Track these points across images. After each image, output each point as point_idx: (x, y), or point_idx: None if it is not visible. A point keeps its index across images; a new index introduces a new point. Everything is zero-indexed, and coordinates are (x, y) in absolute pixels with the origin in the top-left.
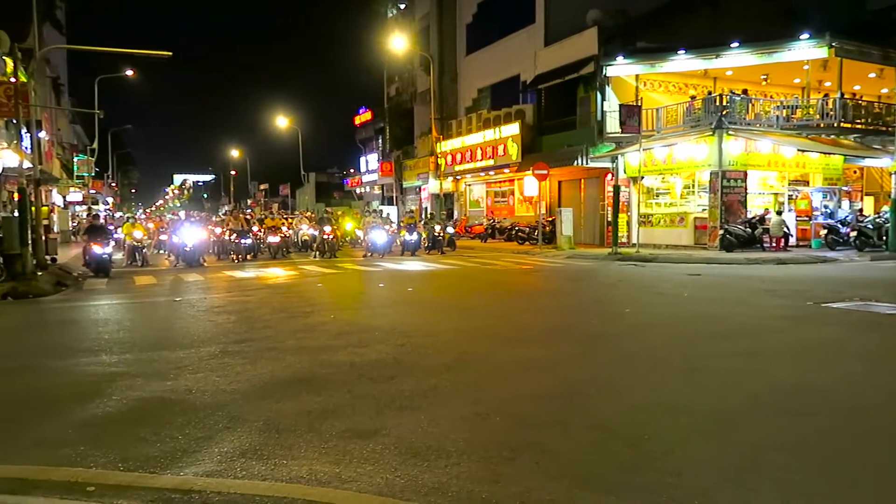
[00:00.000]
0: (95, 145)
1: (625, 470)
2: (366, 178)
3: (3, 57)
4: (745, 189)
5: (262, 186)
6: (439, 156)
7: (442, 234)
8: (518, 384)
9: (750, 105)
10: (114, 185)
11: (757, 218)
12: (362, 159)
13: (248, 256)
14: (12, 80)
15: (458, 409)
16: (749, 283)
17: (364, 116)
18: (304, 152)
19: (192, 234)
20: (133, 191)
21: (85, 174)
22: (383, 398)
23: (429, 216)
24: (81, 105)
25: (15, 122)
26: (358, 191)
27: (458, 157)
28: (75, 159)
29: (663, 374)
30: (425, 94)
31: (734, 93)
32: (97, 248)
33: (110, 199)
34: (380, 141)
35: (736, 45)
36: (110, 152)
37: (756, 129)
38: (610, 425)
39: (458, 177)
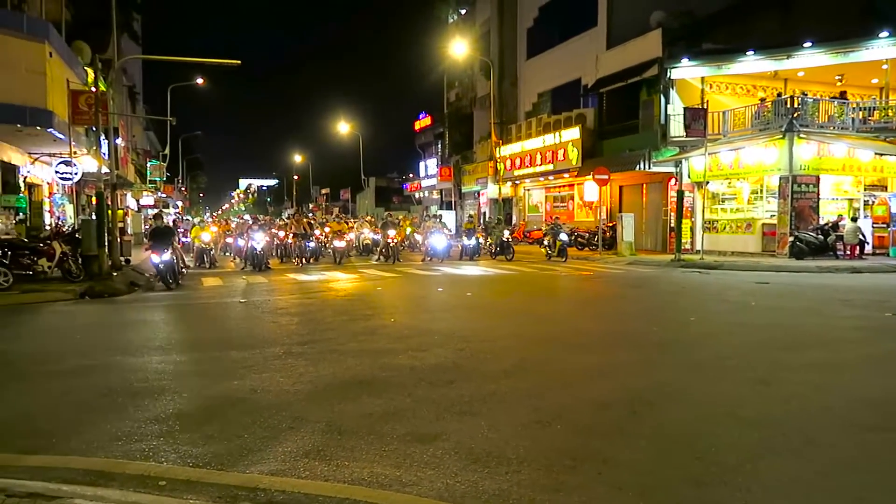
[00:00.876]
0: (167, 151)
1: (692, 483)
2: (425, 183)
3: (85, 67)
4: (818, 194)
5: (323, 191)
6: (498, 160)
7: (509, 239)
8: (579, 391)
9: (823, 107)
10: (183, 189)
11: (830, 224)
12: (421, 164)
13: (311, 260)
14: (93, 89)
15: (518, 415)
16: (821, 293)
17: (424, 122)
18: (365, 157)
19: (260, 237)
20: (201, 195)
21: (157, 179)
22: (443, 402)
23: (496, 221)
24: (154, 112)
25: (94, 129)
26: (416, 195)
27: (518, 161)
28: (148, 164)
29: (732, 384)
30: (485, 98)
31: (806, 94)
32: (154, 258)
33: (180, 203)
34: (439, 146)
35: (809, 44)
36: (180, 158)
37: (830, 132)
38: (676, 436)
39: (516, 181)
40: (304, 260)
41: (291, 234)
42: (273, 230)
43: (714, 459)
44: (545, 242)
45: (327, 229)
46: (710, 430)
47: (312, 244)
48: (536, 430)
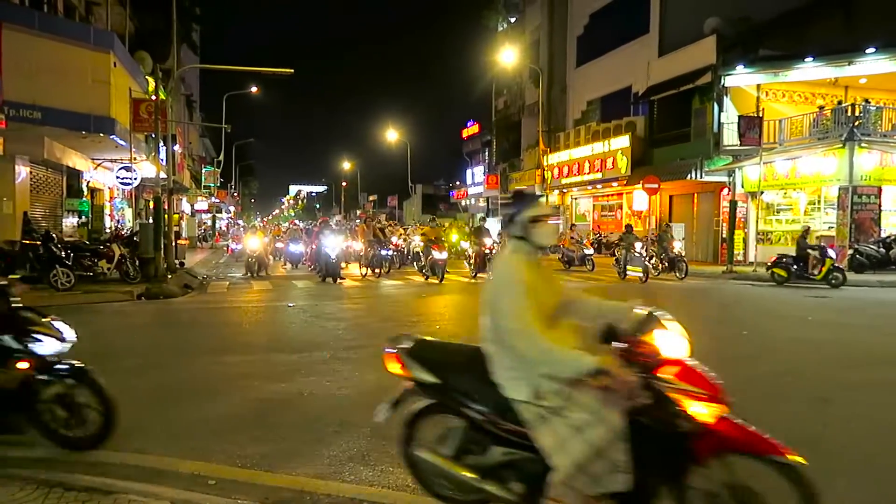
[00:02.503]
0: (221, 157)
1: None
2: (471, 191)
3: (146, 76)
4: (879, 206)
5: (371, 197)
6: (546, 168)
7: (681, 254)
8: None
9: (886, 115)
10: (236, 194)
11: (892, 237)
12: (468, 171)
13: (384, 271)
14: (153, 97)
15: None
16: (882, 309)
17: (471, 129)
18: (412, 165)
19: (334, 242)
20: (252, 200)
21: (211, 184)
22: None
23: (664, 226)
24: (210, 119)
25: (153, 136)
26: (463, 203)
27: (565, 169)
28: (203, 170)
29: (789, 402)
30: (533, 106)
31: (868, 102)
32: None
33: (232, 208)
34: (486, 153)
35: (872, 50)
36: (234, 164)
37: (893, 142)
38: None
39: (564, 190)
40: (376, 270)
41: (366, 242)
42: (348, 235)
43: None
44: (616, 256)
45: (416, 239)
46: None
47: (387, 252)
48: None
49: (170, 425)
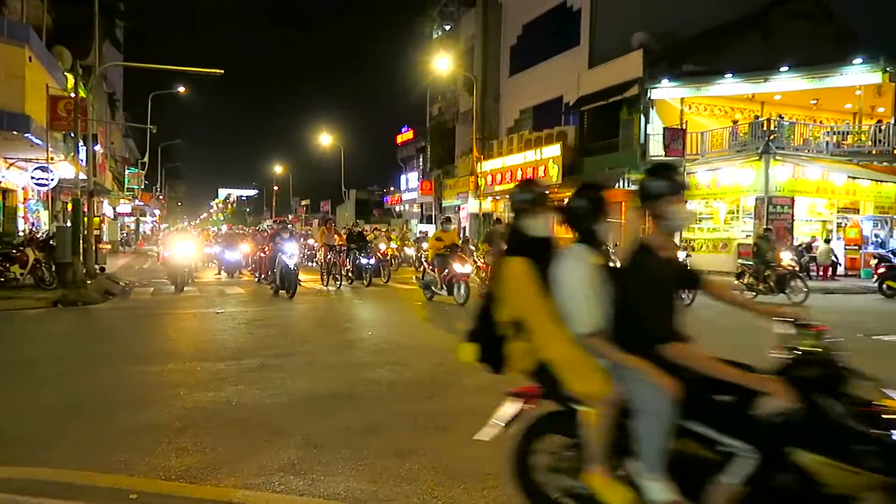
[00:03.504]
0: (146, 159)
1: None
2: (405, 197)
3: (65, 73)
4: (792, 216)
5: (303, 202)
6: (479, 175)
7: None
8: None
9: (798, 130)
10: (161, 197)
11: (804, 246)
12: (403, 177)
13: (363, 282)
14: (72, 95)
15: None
16: None
17: (406, 135)
18: (346, 169)
19: (293, 248)
20: (179, 204)
21: (135, 187)
22: (420, 417)
23: (763, 231)
24: (134, 120)
25: (72, 135)
26: (397, 209)
27: (499, 177)
28: (126, 172)
29: None
30: (467, 114)
31: (782, 117)
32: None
33: (157, 212)
34: (421, 160)
35: (786, 68)
36: (160, 166)
37: (805, 155)
38: None
39: (497, 197)
40: (347, 282)
41: (323, 246)
42: (307, 240)
43: None
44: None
45: (425, 245)
46: None
47: (368, 260)
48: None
49: (87, 437)
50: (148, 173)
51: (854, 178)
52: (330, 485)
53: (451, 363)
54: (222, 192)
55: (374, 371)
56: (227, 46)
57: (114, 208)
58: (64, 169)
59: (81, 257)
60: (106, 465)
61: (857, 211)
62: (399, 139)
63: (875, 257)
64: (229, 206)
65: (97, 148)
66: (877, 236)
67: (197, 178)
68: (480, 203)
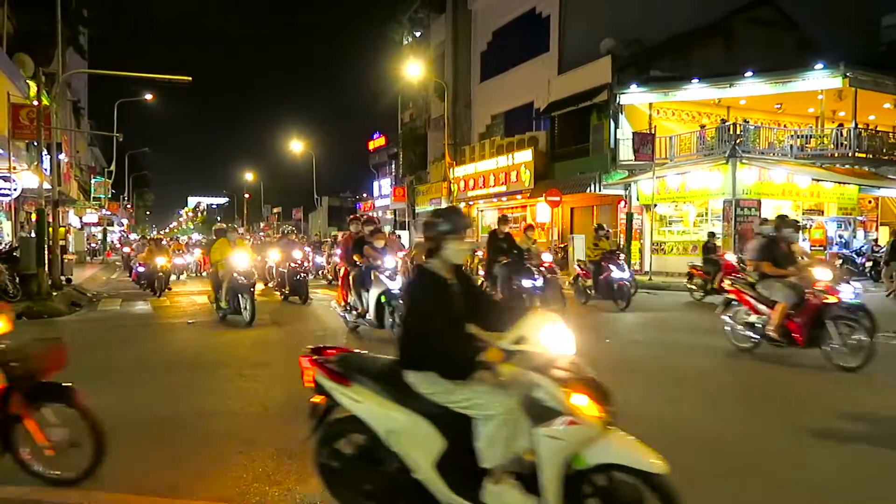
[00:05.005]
0: (113, 168)
1: None
2: (378, 203)
3: (27, 80)
4: (759, 218)
5: (275, 209)
6: (452, 181)
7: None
8: None
9: (763, 134)
10: (129, 206)
11: None
12: (375, 184)
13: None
14: (35, 103)
15: None
16: None
17: (378, 142)
18: (318, 176)
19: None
20: (148, 213)
21: (101, 196)
22: None
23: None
24: (101, 128)
25: (36, 144)
26: (371, 214)
27: (471, 182)
28: (93, 181)
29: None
30: (439, 120)
31: (748, 122)
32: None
33: (125, 221)
34: (393, 166)
35: (750, 74)
36: (127, 174)
37: (770, 158)
38: None
39: (470, 202)
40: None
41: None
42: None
43: None
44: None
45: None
46: None
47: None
48: None
49: None
50: (115, 182)
51: (818, 180)
52: (306, 495)
53: None
54: (192, 201)
55: None
56: (195, 53)
57: (80, 218)
58: (27, 178)
59: (46, 268)
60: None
61: (821, 213)
62: (371, 145)
63: (839, 257)
64: (199, 214)
65: (62, 157)
66: (840, 237)
67: (166, 187)
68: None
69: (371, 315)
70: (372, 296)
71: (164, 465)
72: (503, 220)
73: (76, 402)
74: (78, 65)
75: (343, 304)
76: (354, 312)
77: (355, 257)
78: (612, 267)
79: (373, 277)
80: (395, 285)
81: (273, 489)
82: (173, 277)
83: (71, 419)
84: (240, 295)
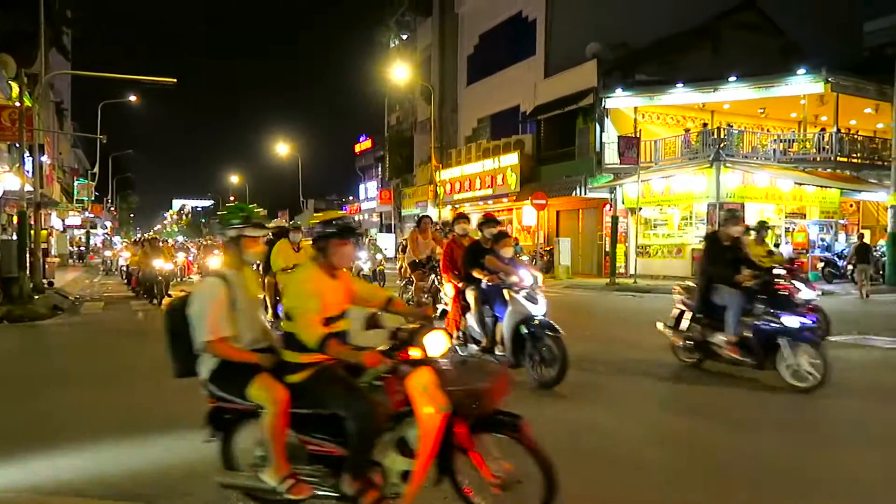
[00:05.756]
0: (96, 170)
1: None
2: (365, 206)
3: (9, 82)
4: (743, 221)
5: (260, 213)
6: (438, 184)
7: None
8: None
9: (747, 138)
10: (113, 209)
11: None
12: (361, 187)
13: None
14: (17, 104)
15: None
16: None
17: (364, 144)
18: (304, 179)
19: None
20: (132, 215)
21: (85, 198)
22: None
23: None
24: (84, 129)
25: (18, 145)
26: (357, 218)
27: (457, 185)
28: (75, 183)
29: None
30: (425, 123)
31: (731, 126)
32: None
33: (108, 224)
34: (379, 169)
35: (734, 79)
36: (110, 177)
37: (753, 162)
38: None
39: (456, 205)
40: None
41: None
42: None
43: None
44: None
45: None
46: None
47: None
48: None
49: (35, 458)
50: (98, 184)
51: (800, 184)
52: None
53: None
54: (176, 203)
55: None
56: (181, 55)
57: (62, 220)
58: (9, 180)
59: (28, 272)
60: (54, 487)
61: (803, 216)
62: (357, 148)
63: (821, 260)
64: (184, 217)
65: (44, 158)
66: (822, 240)
67: (150, 189)
68: (440, 211)
69: (504, 349)
70: (506, 325)
71: (144, 471)
72: (490, 222)
73: (523, 433)
74: (61, 66)
75: (457, 333)
76: (475, 346)
77: (475, 272)
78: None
79: (508, 298)
80: (539, 309)
81: None
82: None
83: (513, 452)
84: None
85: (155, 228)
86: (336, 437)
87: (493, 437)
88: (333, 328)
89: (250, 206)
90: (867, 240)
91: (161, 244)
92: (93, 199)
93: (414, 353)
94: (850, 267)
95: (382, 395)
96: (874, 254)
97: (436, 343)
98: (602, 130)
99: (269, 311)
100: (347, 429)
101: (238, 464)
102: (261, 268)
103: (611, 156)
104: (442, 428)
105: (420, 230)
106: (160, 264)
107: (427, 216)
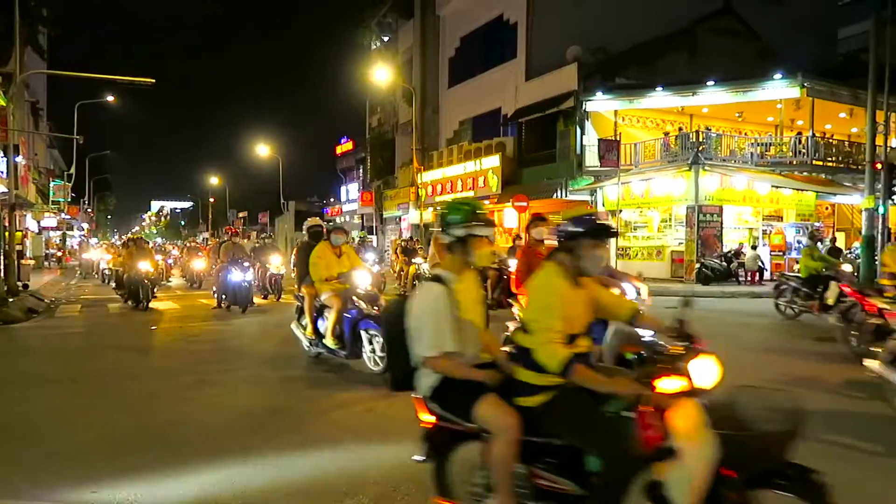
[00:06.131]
0: (73, 171)
1: None
2: (346, 208)
3: None
4: (721, 223)
5: (241, 214)
6: (420, 186)
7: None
8: None
9: (725, 142)
10: (90, 210)
11: (732, 252)
12: (343, 188)
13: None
14: None
15: None
16: (726, 317)
17: (345, 146)
18: (285, 180)
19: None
20: (109, 217)
21: (61, 199)
22: (362, 430)
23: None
24: (60, 129)
25: None
26: (338, 220)
27: (439, 187)
28: (51, 184)
29: None
30: (407, 125)
31: (710, 129)
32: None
33: (85, 225)
34: (360, 171)
35: (712, 83)
36: (87, 178)
37: (731, 166)
38: None
39: (438, 207)
40: None
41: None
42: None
43: None
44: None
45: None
46: None
47: None
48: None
49: (11, 462)
50: (75, 185)
51: (777, 187)
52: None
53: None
54: (155, 205)
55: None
56: (160, 55)
57: (38, 222)
58: None
59: (2, 274)
60: (33, 492)
61: (780, 218)
62: (338, 150)
63: (797, 262)
64: (163, 218)
65: (19, 159)
66: (799, 242)
67: (128, 191)
68: (421, 214)
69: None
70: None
71: (125, 474)
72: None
73: (818, 495)
74: (37, 65)
75: None
76: None
77: None
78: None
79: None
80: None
81: (236, 500)
82: None
83: None
84: (364, 331)
85: (133, 230)
86: (572, 473)
87: (773, 493)
88: (576, 348)
89: (471, 200)
90: (841, 244)
91: (148, 245)
92: (69, 200)
93: (669, 383)
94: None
95: (634, 430)
96: (845, 256)
97: (705, 371)
98: (583, 133)
99: (309, 327)
100: (590, 466)
101: (454, 490)
102: (295, 275)
103: (591, 158)
104: (709, 479)
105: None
106: (146, 267)
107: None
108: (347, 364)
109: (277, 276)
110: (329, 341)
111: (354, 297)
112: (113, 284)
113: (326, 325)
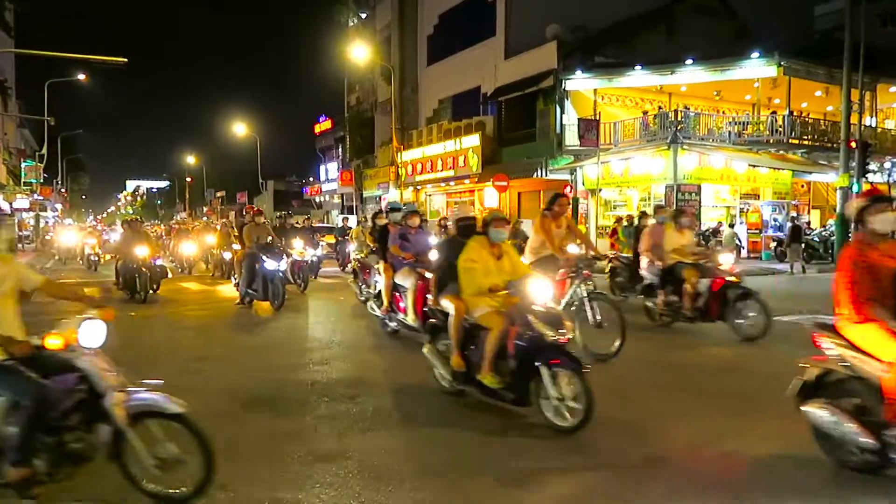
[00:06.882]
0: (44, 151)
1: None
2: (325, 187)
3: None
4: (700, 202)
5: (218, 194)
6: (400, 165)
7: None
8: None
9: (703, 120)
10: (63, 191)
11: (711, 230)
12: (322, 168)
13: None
14: None
15: (419, 430)
16: None
17: (324, 125)
18: (263, 160)
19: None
20: (83, 197)
21: (33, 180)
22: (345, 419)
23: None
24: (31, 108)
25: None
26: (317, 199)
27: (419, 167)
28: (23, 165)
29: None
30: (386, 103)
31: (688, 108)
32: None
33: (59, 206)
34: (340, 150)
35: (690, 62)
36: (60, 158)
37: (709, 145)
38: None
39: (418, 187)
40: None
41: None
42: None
43: None
44: None
45: None
46: None
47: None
48: (438, 444)
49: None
50: (47, 166)
51: (754, 166)
52: (253, 495)
53: (376, 361)
54: (130, 185)
55: (297, 372)
56: (132, 30)
57: (10, 204)
58: None
59: None
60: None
61: (757, 197)
62: (317, 129)
63: (774, 240)
64: (139, 198)
65: None
66: (775, 220)
67: (102, 170)
68: (402, 193)
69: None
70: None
71: (101, 470)
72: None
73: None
74: (4, 44)
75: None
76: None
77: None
78: None
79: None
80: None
81: (220, 492)
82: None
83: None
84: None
85: (108, 210)
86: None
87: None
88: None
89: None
90: (815, 222)
91: (144, 227)
92: (42, 181)
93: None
94: (785, 247)
95: None
96: (806, 235)
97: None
98: (562, 112)
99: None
100: None
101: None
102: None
103: (571, 137)
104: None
105: (553, 214)
106: (143, 252)
107: (563, 195)
108: (508, 409)
109: (302, 263)
110: (487, 378)
111: (530, 317)
112: (90, 270)
113: (484, 352)
